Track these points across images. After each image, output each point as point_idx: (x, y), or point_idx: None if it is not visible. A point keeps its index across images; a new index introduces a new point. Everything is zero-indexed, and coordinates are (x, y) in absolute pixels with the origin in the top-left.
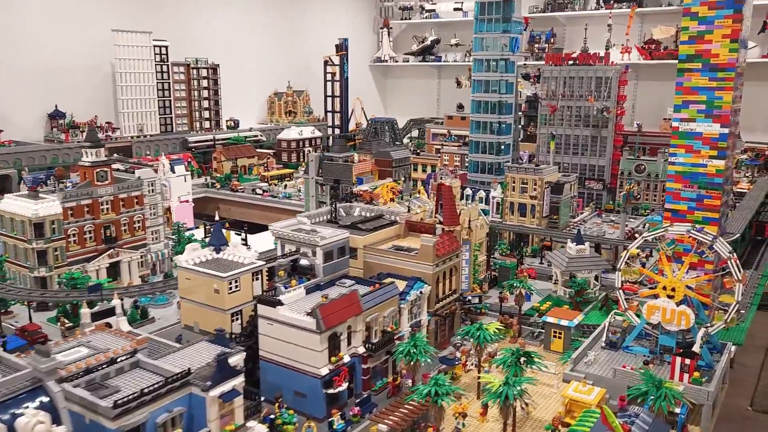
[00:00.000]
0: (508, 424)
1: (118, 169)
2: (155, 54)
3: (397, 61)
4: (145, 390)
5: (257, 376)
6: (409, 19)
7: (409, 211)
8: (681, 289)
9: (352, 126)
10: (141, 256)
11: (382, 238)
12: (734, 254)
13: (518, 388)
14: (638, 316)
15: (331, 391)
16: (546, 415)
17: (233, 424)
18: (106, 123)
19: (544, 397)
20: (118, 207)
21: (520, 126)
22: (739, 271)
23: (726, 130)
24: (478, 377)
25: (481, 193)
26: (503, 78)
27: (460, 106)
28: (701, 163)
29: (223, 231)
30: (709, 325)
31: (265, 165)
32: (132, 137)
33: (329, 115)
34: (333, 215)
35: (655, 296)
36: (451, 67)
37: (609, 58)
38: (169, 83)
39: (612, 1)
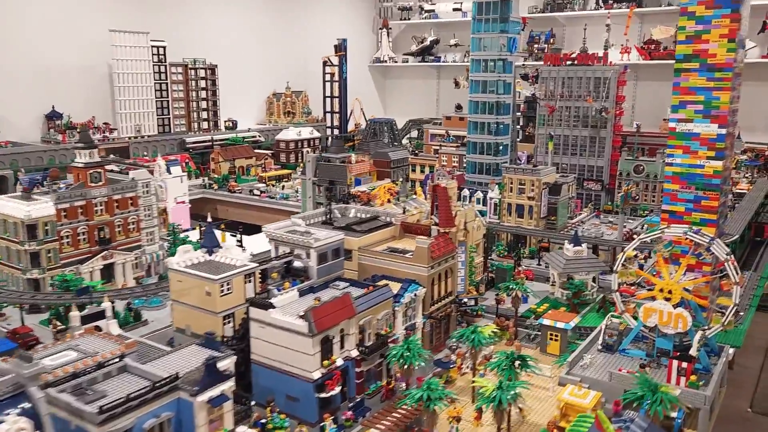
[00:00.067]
0: (503, 428)
1: (112, 170)
2: (153, 54)
3: (396, 62)
4: (132, 395)
5: (249, 379)
6: (409, 19)
7: (404, 212)
8: (678, 291)
9: (351, 126)
10: (135, 258)
11: (378, 239)
12: (732, 256)
13: (512, 392)
14: (635, 318)
15: (323, 395)
16: (541, 419)
17: (223, 429)
18: (104, 124)
19: (540, 400)
20: (112, 208)
21: (518, 126)
22: (737, 274)
23: (724, 131)
24: (473, 381)
25: (479, 194)
26: (501, 78)
27: (459, 107)
28: (699, 164)
29: (217, 232)
30: (706, 327)
31: (263, 166)
32: (129, 138)
33: (328, 115)
34: (328, 216)
35: (653, 298)
36: (451, 68)
37: (607, 59)
38: (166, 84)
39: (611, 1)
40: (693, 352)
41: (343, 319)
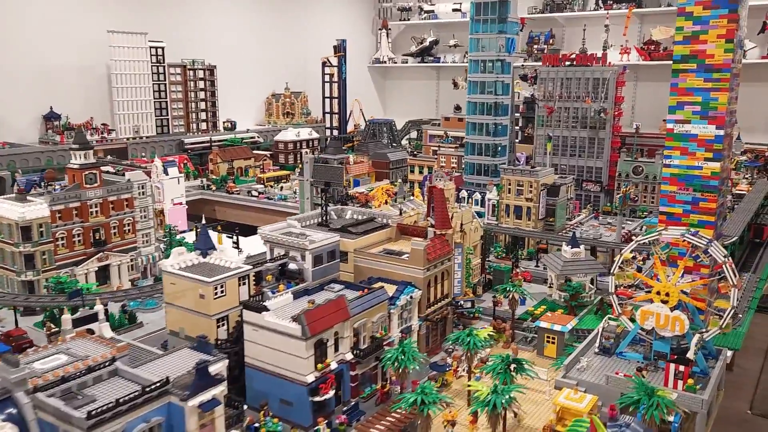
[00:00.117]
0: None
1: (108, 172)
2: (151, 55)
3: (395, 62)
4: (121, 400)
5: (243, 383)
6: (408, 20)
7: (401, 213)
8: (675, 294)
9: (350, 127)
10: (131, 260)
11: (373, 241)
12: (729, 258)
13: (507, 396)
14: (632, 321)
15: (317, 398)
16: (537, 422)
17: None
18: (102, 125)
19: (536, 404)
20: (107, 210)
21: (517, 127)
22: (735, 276)
23: (721, 132)
24: (468, 385)
25: (477, 195)
26: (499, 79)
27: (458, 108)
28: (696, 165)
29: (213, 234)
30: (704, 330)
31: (261, 167)
32: (128, 139)
33: (327, 116)
34: (324, 218)
35: (650, 301)
36: (450, 68)
37: (606, 59)
38: (165, 84)
39: (611, 2)
40: (690, 355)
41: (337, 322)
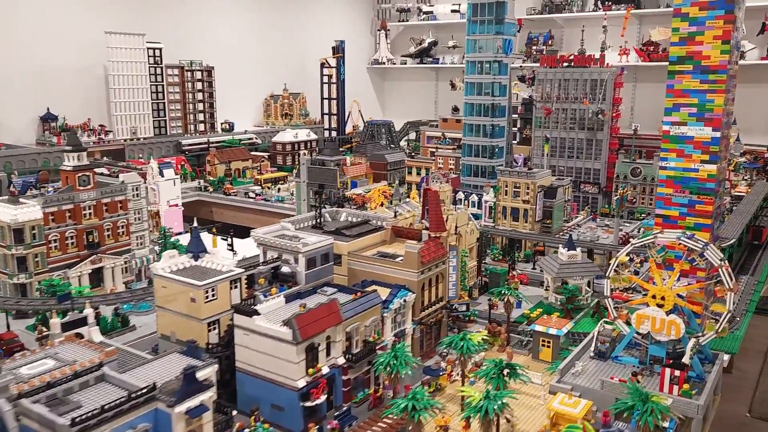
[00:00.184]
0: None
1: (102, 174)
2: (149, 56)
3: (394, 63)
4: (107, 406)
5: (234, 387)
6: (407, 21)
7: (395, 216)
8: (671, 297)
9: (349, 128)
10: (125, 262)
11: (368, 244)
12: (725, 262)
13: (499, 402)
14: (628, 325)
15: (308, 403)
16: (531, 428)
17: None
18: (99, 126)
19: (531, 408)
20: (101, 212)
21: (516, 129)
22: (731, 280)
23: (718, 134)
24: (462, 390)
25: (474, 197)
26: (496, 80)
27: (455, 109)
28: (693, 167)
29: (208, 236)
30: (700, 334)
31: (259, 168)
32: (125, 140)
33: (326, 117)
34: (318, 220)
35: (646, 305)
36: (449, 69)
37: (604, 60)
38: (163, 86)
39: (610, 3)
40: (686, 359)
41: (329, 326)
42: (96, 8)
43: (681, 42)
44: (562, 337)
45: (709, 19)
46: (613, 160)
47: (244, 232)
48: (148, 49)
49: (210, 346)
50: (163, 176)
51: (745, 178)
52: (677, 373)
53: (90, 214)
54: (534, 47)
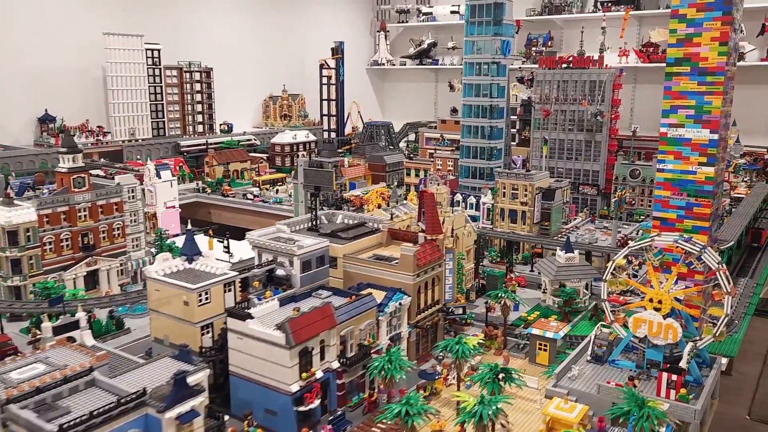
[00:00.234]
0: None
1: (98, 175)
2: (147, 57)
3: (394, 65)
4: (96, 412)
5: (228, 391)
6: (406, 22)
7: (392, 218)
8: (668, 301)
9: (348, 130)
10: (121, 264)
11: (364, 246)
12: (723, 265)
13: (494, 407)
14: (625, 328)
15: (302, 408)
16: None
17: None
18: (97, 127)
19: (527, 413)
20: (96, 214)
21: (515, 130)
22: (729, 283)
23: (716, 136)
24: (456, 395)
25: (472, 199)
26: (494, 81)
27: (454, 110)
28: (690, 170)
29: (204, 238)
30: (697, 338)
31: (257, 169)
32: (123, 141)
33: (325, 118)
34: (313, 223)
35: (643, 308)
36: (448, 71)
37: (603, 62)
38: (161, 87)
39: (609, 4)
40: (683, 364)
41: (323, 330)
42: (94, 9)
43: (678, 43)
44: (559, 341)
45: (707, 20)
46: (612, 161)
47: (242, 234)
48: (146, 50)
49: (203, 350)
50: (160, 178)
51: (745, 179)
52: (674, 377)
53: (85, 216)
54: (533, 48)
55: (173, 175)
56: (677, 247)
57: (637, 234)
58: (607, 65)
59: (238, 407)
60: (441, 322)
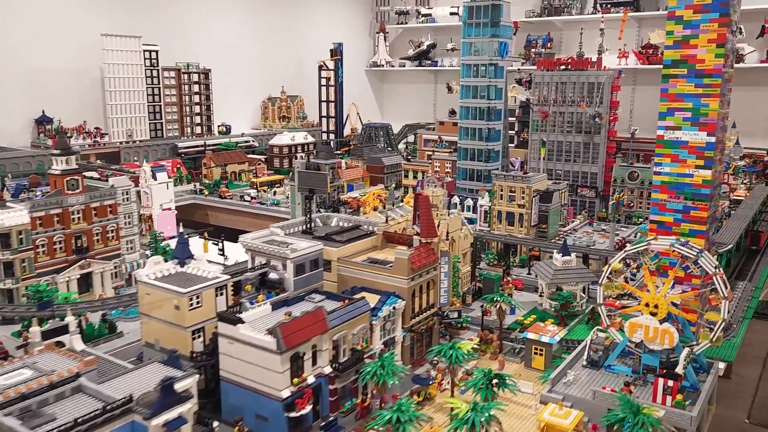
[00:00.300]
0: None
1: (92, 177)
2: (145, 58)
3: (393, 66)
4: (80, 419)
5: (219, 397)
6: (406, 23)
7: (387, 221)
8: (664, 306)
9: (347, 131)
10: (115, 267)
11: (358, 249)
12: (720, 270)
13: (486, 414)
14: (621, 333)
15: (293, 414)
16: None
17: None
18: (95, 128)
19: (522, 419)
20: (90, 216)
21: (513, 132)
22: (726, 288)
23: (713, 139)
24: (449, 401)
25: (469, 201)
26: (492, 83)
27: (453, 112)
28: (687, 173)
29: (199, 240)
30: (694, 343)
31: (255, 171)
32: (121, 143)
33: (324, 120)
34: (308, 226)
35: (640, 312)
36: (448, 72)
37: (601, 63)
38: (159, 88)
39: (609, 6)
40: (679, 369)
41: (315, 335)
42: (92, 10)
43: (675, 45)
44: (555, 345)
45: (704, 22)
46: (610, 163)
47: (239, 236)
48: (144, 51)
49: (194, 355)
50: (156, 180)
51: (744, 181)
52: (670, 383)
53: (79, 218)
54: (533, 50)
55: (170, 177)
56: (674, 251)
57: (635, 237)
58: (605, 67)
59: (229, 413)
60: (436, 326)
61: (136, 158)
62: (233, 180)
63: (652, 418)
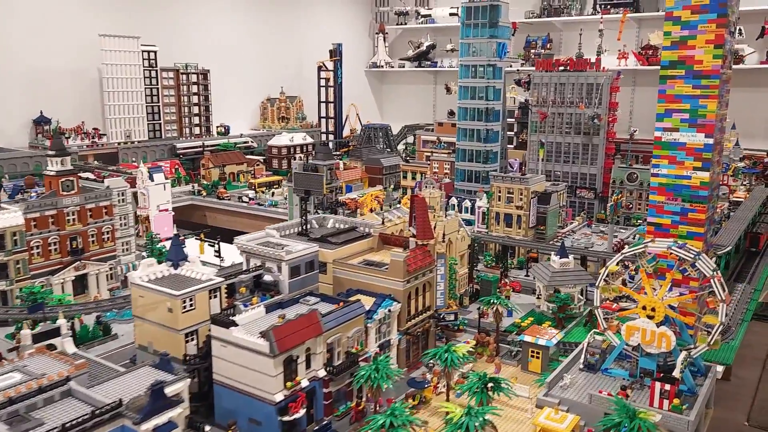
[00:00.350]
0: None
1: (88, 179)
2: (143, 59)
3: (392, 67)
4: (68, 424)
5: (212, 400)
6: (405, 24)
7: (383, 222)
8: (661, 308)
9: (346, 132)
10: (110, 269)
11: (354, 251)
12: (718, 272)
13: (481, 418)
14: (618, 336)
15: (286, 418)
16: None
17: None
18: (93, 129)
19: (518, 422)
20: (85, 217)
21: (512, 133)
22: (723, 291)
23: (710, 141)
24: (443, 406)
25: (467, 203)
26: (490, 84)
27: (451, 113)
28: (685, 175)
29: (190, 242)
30: (691, 347)
31: (253, 172)
32: (119, 143)
33: (323, 120)
34: (303, 227)
35: (637, 315)
36: (447, 73)
37: (600, 64)
38: (157, 89)
39: (609, 7)
40: (676, 373)
41: (308, 338)
42: (91, 10)
43: (673, 46)
44: (552, 348)
45: (702, 23)
46: (609, 165)
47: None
48: (142, 51)
49: (187, 358)
50: (153, 181)
51: (744, 183)
52: (667, 387)
53: (74, 219)
54: (533, 51)
55: (167, 178)
56: (671, 253)
57: (633, 238)
58: (604, 68)
59: (222, 416)
60: (432, 329)
61: (134, 159)
62: (232, 181)
63: (648, 422)
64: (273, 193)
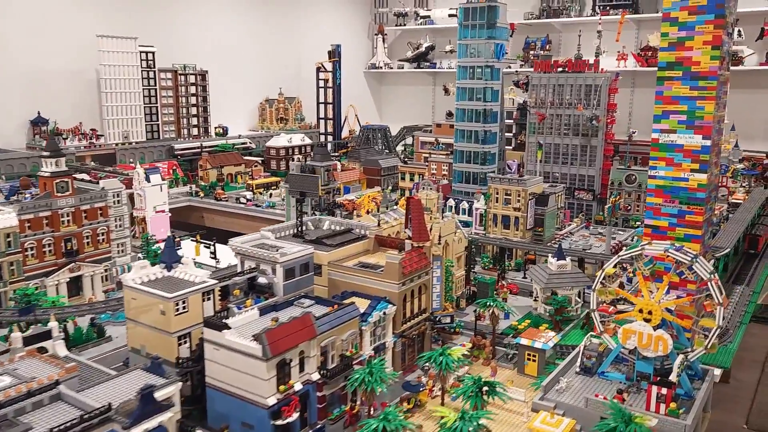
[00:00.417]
0: None
1: (83, 180)
2: (141, 60)
3: (391, 68)
4: (56, 429)
5: (205, 404)
6: (404, 25)
7: (379, 224)
8: (658, 312)
9: (345, 133)
10: (105, 270)
11: (350, 253)
12: (715, 275)
13: (475, 422)
14: (615, 339)
15: (279, 422)
16: None
17: None
18: (91, 130)
19: (514, 426)
20: (80, 219)
21: (511, 134)
22: (721, 294)
23: (708, 142)
24: (436, 410)
25: (465, 204)
26: (488, 85)
27: (450, 114)
28: (683, 176)
29: (191, 243)
30: (689, 350)
31: (251, 173)
32: (116, 144)
33: (322, 122)
34: (299, 229)
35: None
36: (446, 74)
37: (598, 66)
38: (155, 90)
39: (608, 8)
40: (673, 377)
41: (302, 341)
42: (89, 11)
43: (670, 47)
44: (549, 351)
45: (699, 23)
46: (607, 166)
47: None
48: (140, 52)
49: (180, 361)
50: (149, 182)
51: (743, 184)
52: (664, 390)
53: (68, 221)
54: (532, 52)
55: (164, 179)
56: (668, 256)
57: (632, 240)
58: (603, 69)
59: (215, 420)
60: (428, 332)
61: (131, 160)
62: (229, 182)
63: (644, 427)
64: (271, 195)
